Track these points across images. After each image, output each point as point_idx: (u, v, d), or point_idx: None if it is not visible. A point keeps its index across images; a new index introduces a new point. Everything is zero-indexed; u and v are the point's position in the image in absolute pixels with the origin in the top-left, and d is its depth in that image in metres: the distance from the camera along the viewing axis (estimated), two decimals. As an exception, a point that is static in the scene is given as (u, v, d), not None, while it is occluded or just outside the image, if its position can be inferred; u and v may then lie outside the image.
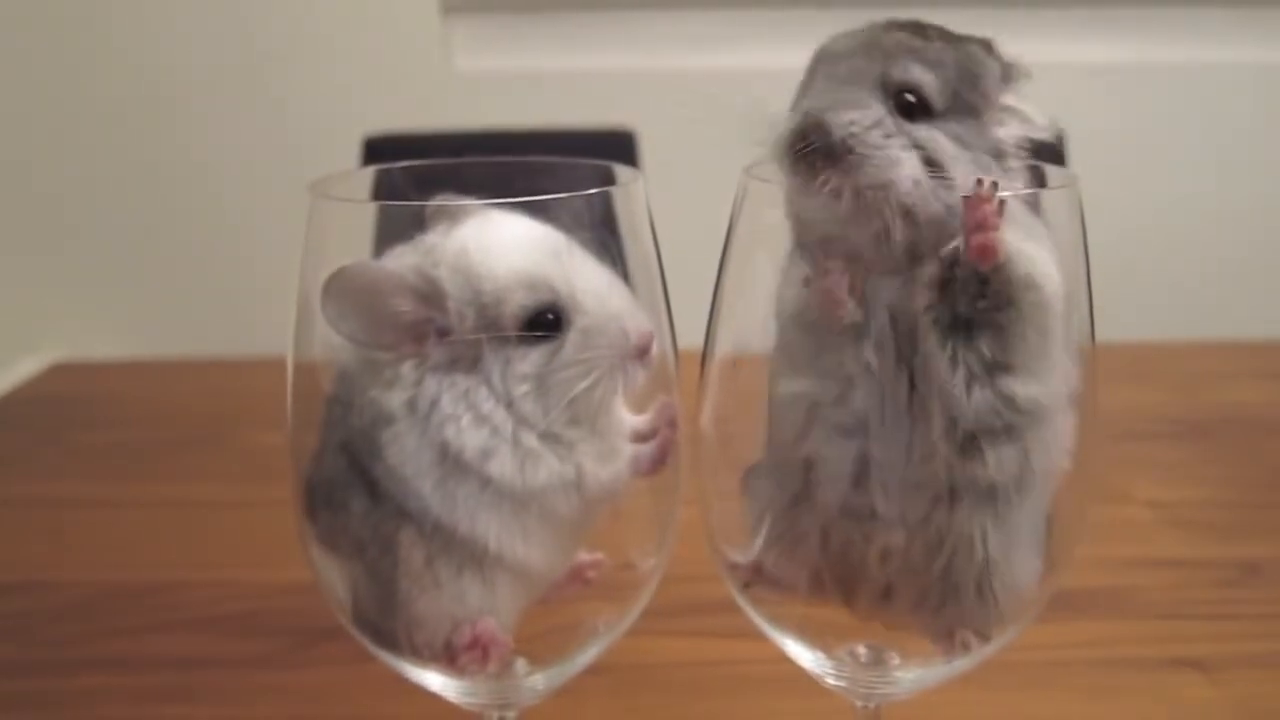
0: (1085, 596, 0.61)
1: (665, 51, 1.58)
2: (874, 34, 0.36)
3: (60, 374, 1.04)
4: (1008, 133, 0.36)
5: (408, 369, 0.34)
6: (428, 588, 0.35)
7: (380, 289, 0.33)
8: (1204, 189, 1.62)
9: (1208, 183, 1.62)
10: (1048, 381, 0.34)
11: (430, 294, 0.34)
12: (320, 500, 0.36)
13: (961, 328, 0.33)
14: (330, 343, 0.35)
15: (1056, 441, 0.35)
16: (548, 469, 0.35)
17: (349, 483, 0.34)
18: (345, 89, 1.54)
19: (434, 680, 0.37)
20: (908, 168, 0.33)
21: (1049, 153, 0.37)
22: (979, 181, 0.32)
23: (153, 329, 1.62)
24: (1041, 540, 0.37)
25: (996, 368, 0.34)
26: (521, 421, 0.34)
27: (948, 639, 0.37)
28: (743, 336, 0.38)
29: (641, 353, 0.35)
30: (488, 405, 0.34)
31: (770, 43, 1.51)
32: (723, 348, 0.39)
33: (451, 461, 0.34)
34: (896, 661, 0.39)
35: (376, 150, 1.08)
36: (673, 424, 0.37)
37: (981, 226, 0.32)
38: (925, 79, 0.34)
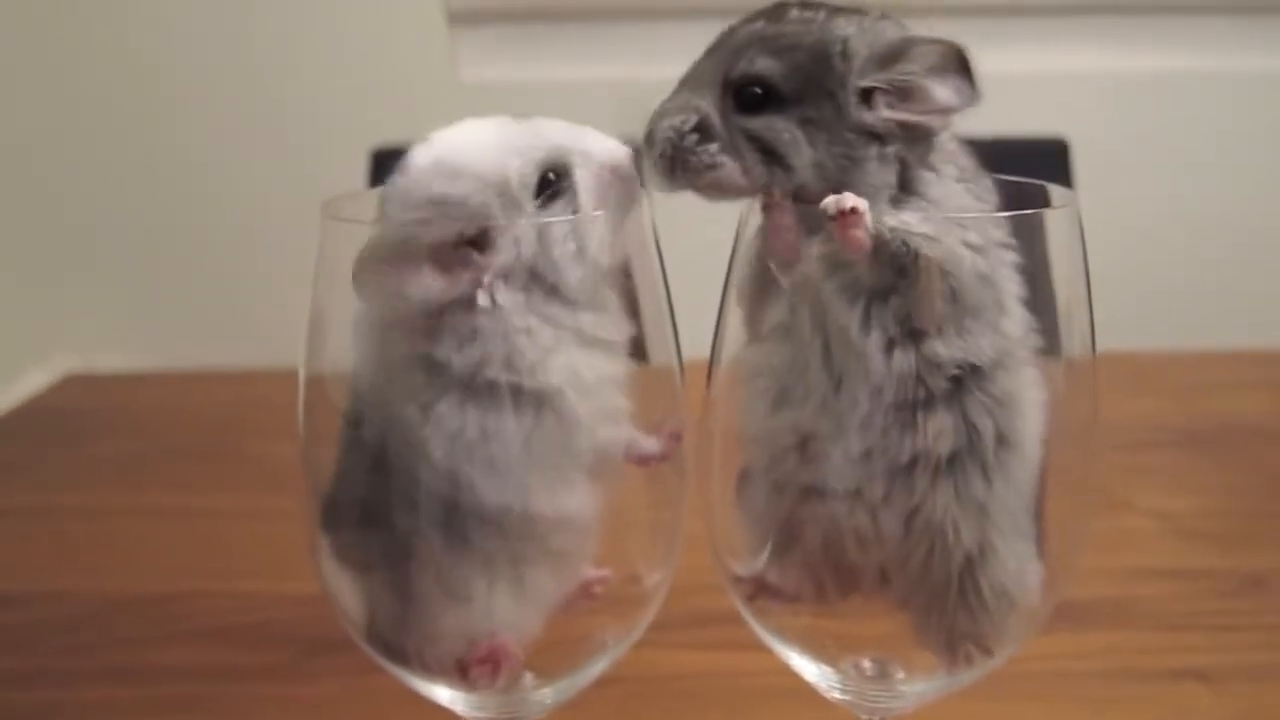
0: (1088, 607, 0.61)
1: (673, 62, 1.58)
2: (729, 29, 0.36)
3: (71, 385, 1.04)
4: (876, 116, 0.35)
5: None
6: (456, 600, 0.35)
7: (410, 247, 0.33)
8: (1206, 198, 1.62)
9: (1210, 192, 1.62)
10: (974, 344, 0.34)
11: (450, 206, 0.33)
12: (344, 513, 0.36)
13: (872, 295, 0.34)
14: (345, 354, 0.35)
15: (1010, 411, 0.35)
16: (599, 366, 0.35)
17: (379, 491, 0.34)
18: (352, 102, 1.54)
19: (443, 693, 0.38)
20: (727, 169, 0.35)
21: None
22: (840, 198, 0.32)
23: (162, 340, 1.62)
24: (1032, 539, 0.36)
25: (916, 333, 0.33)
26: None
27: (950, 652, 0.37)
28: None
29: (628, 173, 0.36)
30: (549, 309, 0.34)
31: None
32: (728, 358, 0.39)
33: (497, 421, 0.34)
34: (901, 675, 0.39)
35: (384, 162, 1.08)
36: (678, 438, 0.38)
37: (844, 224, 0.32)
38: (768, 67, 0.35)
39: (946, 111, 0.35)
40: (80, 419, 0.96)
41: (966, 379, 0.34)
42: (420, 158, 0.34)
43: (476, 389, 0.33)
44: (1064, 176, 1.10)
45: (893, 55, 0.35)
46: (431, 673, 0.36)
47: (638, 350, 0.37)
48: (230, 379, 1.06)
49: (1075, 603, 0.56)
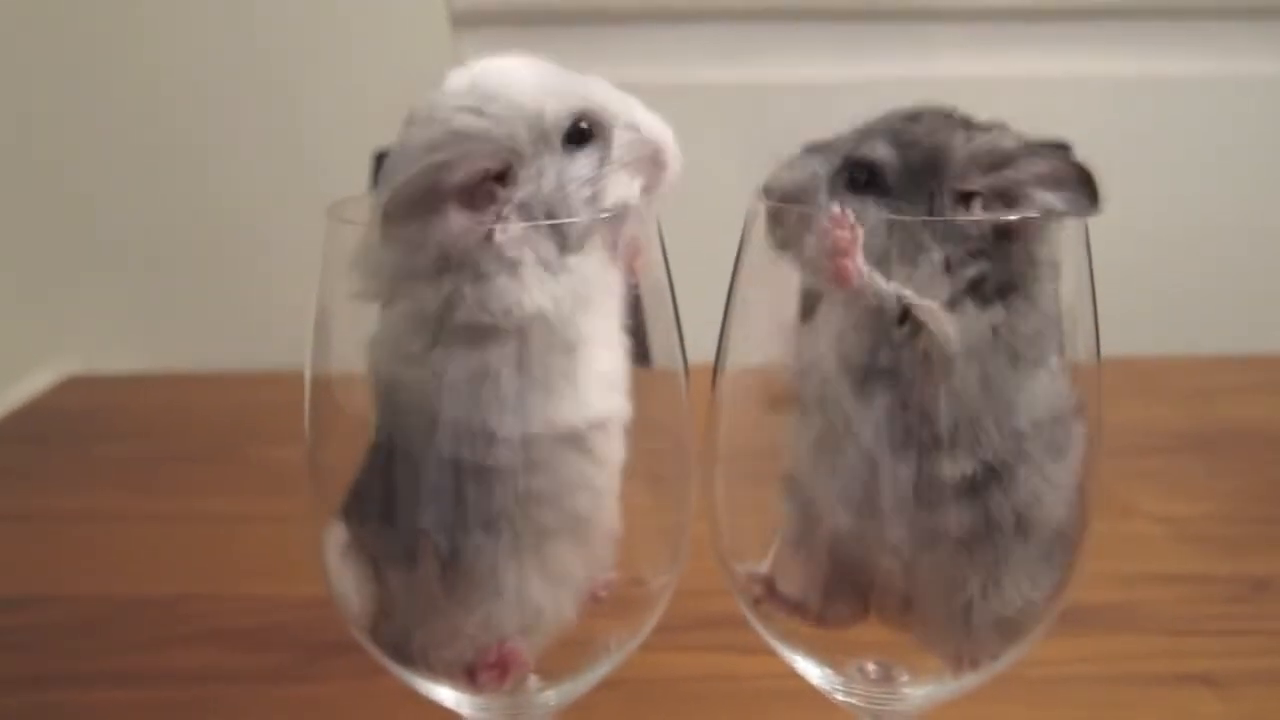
0: (1094, 612, 0.61)
1: (676, 64, 1.58)
2: (879, 117, 0.37)
3: (74, 387, 1.05)
4: (976, 219, 0.34)
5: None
6: (486, 594, 0.35)
7: (433, 178, 0.33)
8: (1209, 202, 1.62)
9: (1213, 196, 1.62)
10: (987, 443, 0.33)
11: (475, 139, 0.33)
12: (366, 503, 0.35)
13: (868, 373, 0.34)
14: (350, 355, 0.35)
15: (1034, 499, 0.35)
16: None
17: (397, 474, 0.34)
18: (354, 103, 1.54)
19: (447, 695, 0.38)
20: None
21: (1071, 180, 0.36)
22: (840, 210, 0.33)
23: (166, 342, 1.62)
24: (1040, 576, 0.36)
25: (927, 440, 0.34)
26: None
27: (955, 658, 0.37)
28: (753, 352, 0.39)
29: (670, 156, 0.36)
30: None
31: (785, 57, 1.52)
32: (733, 363, 0.39)
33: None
34: (906, 678, 0.39)
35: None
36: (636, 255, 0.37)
37: (835, 251, 0.33)
38: (882, 155, 0.35)
39: (1049, 216, 0.34)
40: (83, 421, 0.96)
41: (981, 479, 0.34)
42: (457, 80, 0.35)
43: (477, 331, 0.33)
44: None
45: (996, 161, 0.35)
46: (447, 666, 0.36)
47: (641, 354, 0.37)
48: (234, 381, 1.06)
49: (1080, 607, 0.56)
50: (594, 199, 0.35)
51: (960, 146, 0.35)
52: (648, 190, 0.36)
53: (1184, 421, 0.91)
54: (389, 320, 0.34)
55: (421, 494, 0.34)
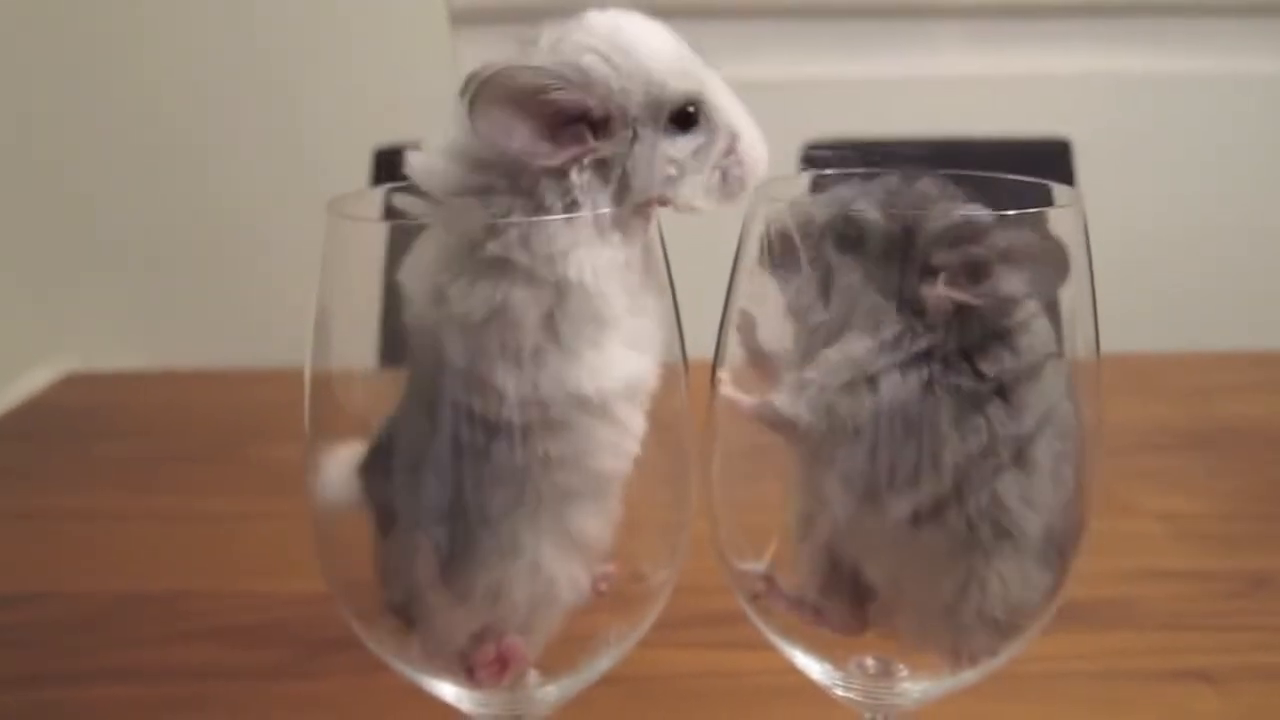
0: (1092, 608, 0.61)
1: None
2: (883, 173, 0.38)
3: (73, 385, 1.04)
4: (932, 292, 0.34)
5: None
6: (506, 555, 0.35)
7: (544, 87, 0.32)
8: (1209, 199, 1.62)
9: (1212, 193, 1.62)
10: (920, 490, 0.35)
11: (593, 82, 0.33)
12: (404, 460, 0.34)
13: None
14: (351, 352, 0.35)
15: (987, 511, 0.35)
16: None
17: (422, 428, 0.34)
18: (355, 102, 1.55)
19: (448, 690, 0.38)
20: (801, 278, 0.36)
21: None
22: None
23: (166, 340, 1.62)
24: (1027, 578, 0.37)
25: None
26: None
27: (952, 654, 0.37)
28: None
29: (749, 180, 0.36)
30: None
31: (788, 53, 1.52)
32: (733, 359, 0.39)
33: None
34: (904, 673, 0.39)
35: (387, 161, 1.08)
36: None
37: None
38: (868, 220, 0.35)
39: (1011, 300, 0.34)
40: (82, 419, 0.96)
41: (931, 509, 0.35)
42: (597, 21, 0.34)
43: (506, 269, 0.33)
44: (1066, 177, 1.10)
45: (962, 235, 0.34)
46: (449, 638, 0.36)
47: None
48: (233, 379, 1.06)
49: (1079, 604, 0.56)
50: (670, 183, 0.35)
51: (934, 219, 0.35)
52: (713, 198, 0.36)
53: (1183, 419, 0.91)
54: (423, 251, 0.34)
55: (435, 448, 0.34)
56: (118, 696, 0.56)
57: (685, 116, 0.35)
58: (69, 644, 0.61)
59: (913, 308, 0.34)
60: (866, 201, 0.36)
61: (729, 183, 0.36)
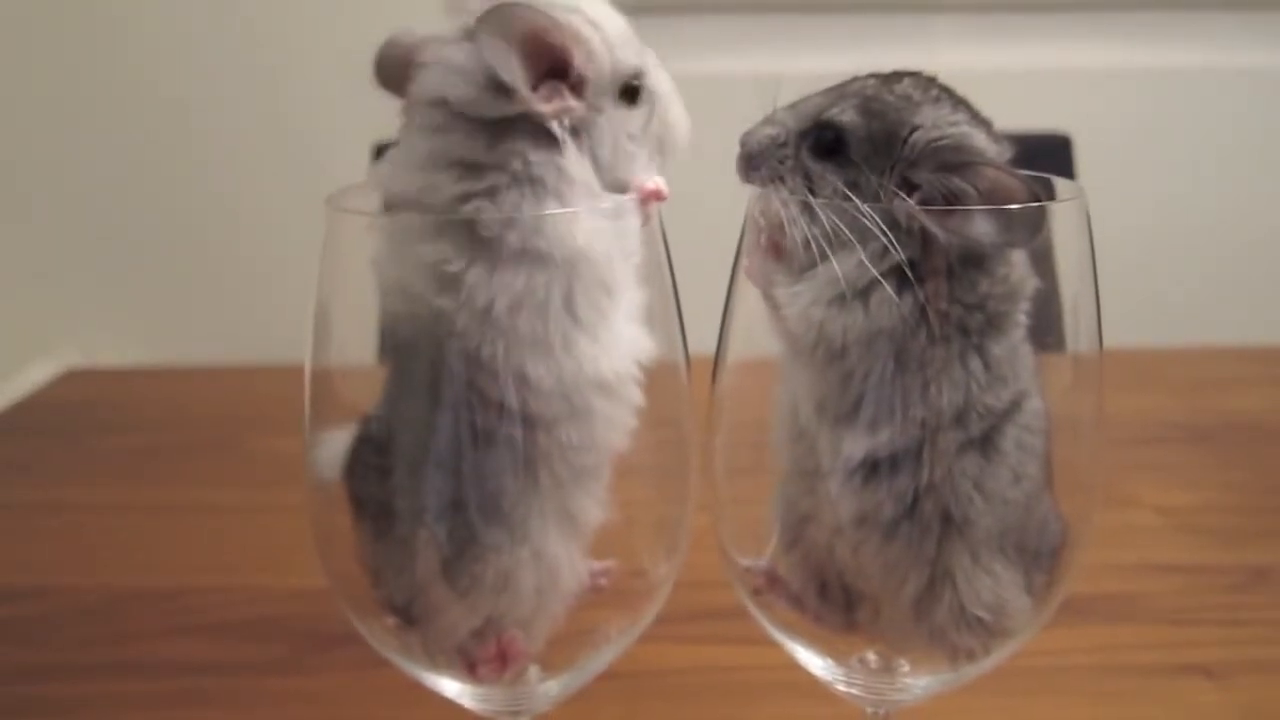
0: (1093, 602, 0.61)
1: (677, 57, 1.57)
2: (854, 77, 0.37)
3: (73, 379, 1.04)
4: (903, 207, 0.34)
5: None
6: (513, 540, 0.35)
7: (545, 28, 0.33)
8: (1210, 194, 1.62)
9: (1214, 188, 1.62)
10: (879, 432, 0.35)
11: (581, 39, 0.34)
12: (399, 456, 0.34)
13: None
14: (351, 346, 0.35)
15: (946, 484, 0.35)
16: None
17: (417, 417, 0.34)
18: (353, 96, 1.54)
19: (449, 685, 0.38)
20: (783, 192, 0.36)
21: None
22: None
23: (166, 334, 1.62)
24: (999, 572, 0.36)
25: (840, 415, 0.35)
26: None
27: (951, 651, 0.37)
28: (753, 343, 0.39)
29: (678, 149, 0.38)
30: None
31: (788, 49, 1.52)
32: (734, 354, 0.39)
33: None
34: (906, 668, 0.39)
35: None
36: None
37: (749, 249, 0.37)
38: (850, 122, 0.35)
39: (976, 244, 0.33)
40: (82, 414, 0.96)
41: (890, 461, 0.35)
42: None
43: (508, 253, 0.33)
44: (1067, 172, 1.10)
45: (947, 162, 0.34)
46: (452, 626, 0.36)
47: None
48: (233, 373, 1.06)
49: (1080, 598, 0.56)
50: (630, 161, 0.36)
51: (922, 131, 0.34)
52: (652, 168, 0.37)
53: (1184, 413, 0.91)
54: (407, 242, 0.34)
55: (442, 441, 0.33)
56: (117, 691, 0.56)
57: (632, 91, 0.36)
58: (68, 638, 0.61)
59: (892, 216, 0.34)
60: (844, 104, 0.36)
61: (664, 151, 0.38)
